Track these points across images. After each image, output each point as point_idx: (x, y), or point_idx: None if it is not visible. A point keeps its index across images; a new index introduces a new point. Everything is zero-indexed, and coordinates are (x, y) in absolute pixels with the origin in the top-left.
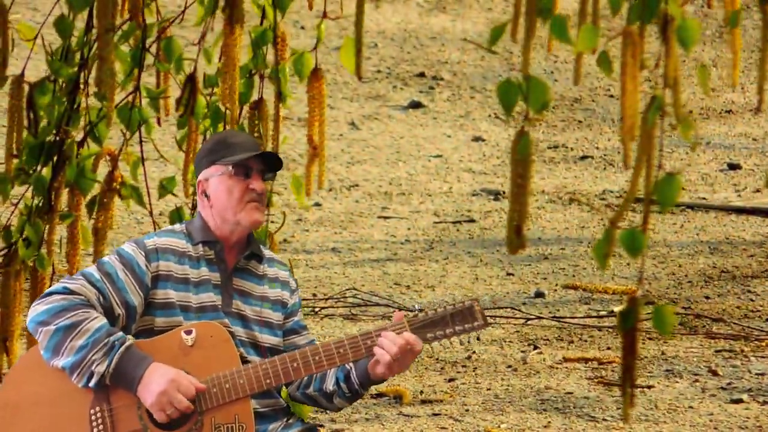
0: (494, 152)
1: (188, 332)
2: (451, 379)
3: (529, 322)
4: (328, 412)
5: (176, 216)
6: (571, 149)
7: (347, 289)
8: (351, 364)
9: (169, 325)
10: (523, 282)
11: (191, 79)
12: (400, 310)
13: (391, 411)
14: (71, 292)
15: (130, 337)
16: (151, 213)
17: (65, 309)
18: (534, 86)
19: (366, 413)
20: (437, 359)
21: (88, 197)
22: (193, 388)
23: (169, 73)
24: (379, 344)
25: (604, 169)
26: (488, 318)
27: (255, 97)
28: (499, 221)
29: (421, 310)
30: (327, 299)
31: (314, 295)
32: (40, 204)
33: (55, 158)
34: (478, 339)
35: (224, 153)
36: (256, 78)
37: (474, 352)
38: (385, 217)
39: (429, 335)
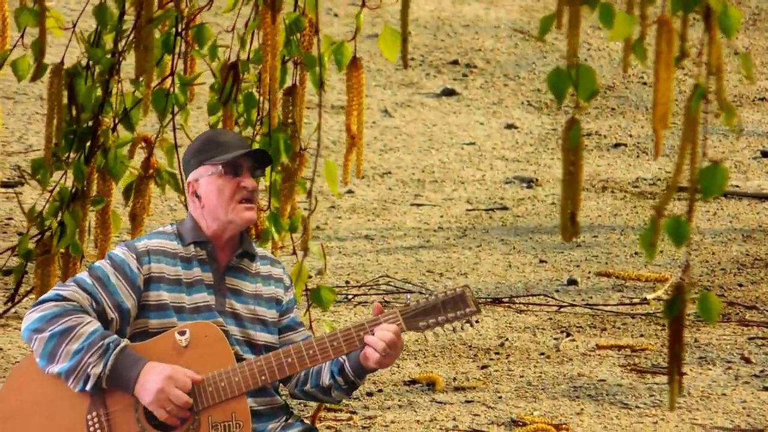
0: (527, 140)
1: (182, 333)
2: (484, 366)
3: (562, 310)
4: (330, 403)
5: None
6: (604, 137)
7: (380, 277)
8: (344, 357)
9: (163, 326)
10: (556, 269)
11: (234, 66)
12: (380, 303)
13: (424, 398)
14: (64, 299)
15: (124, 339)
16: (185, 200)
17: (58, 315)
18: (583, 74)
19: (399, 400)
20: (470, 346)
21: (124, 183)
22: (189, 382)
23: (204, 59)
24: (367, 342)
25: (638, 156)
26: (480, 305)
27: (289, 83)
28: (532, 209)
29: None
30: (360, 286)
31: (347, 282)
32: (74, 191)
33: (88, 144)
34: (471, 326)
35: (213, 152)
36: (290, 64)
37: (507, 339)
38: (418, 205)
39: (421, 324)
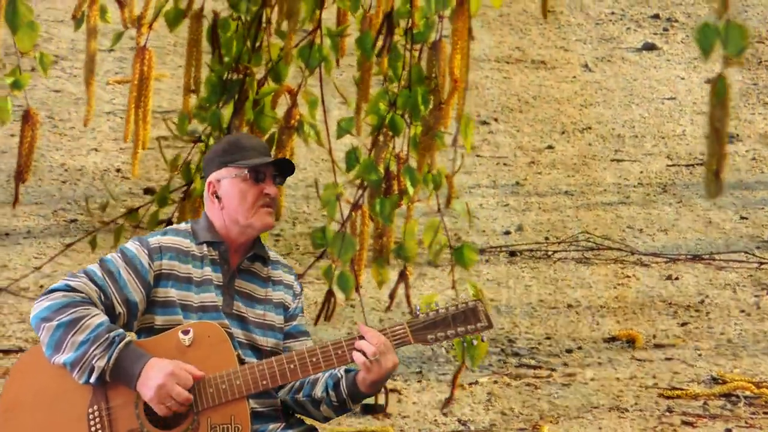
0: None
1: (186, 332)
2: (684, 324)
3: (762, 266)
4: (315, 419)
5: (352, 156)
6: None
7: (580, 233)
8: (342, 373)
9: (169, 323)
10: (757, 226)
11: (388, 16)
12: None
13: (624, 355)
14: (73, 290)
15: (130, 333)
16: (330, 152)
17: (67, 305)
18: (732, 30)
19: (598, 357)
20: (670, 303)
21: (267, 135)
22: (191, 378)
23: (349, 11)
24: (357, 347)
25: None
26: (492, 320)
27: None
28: (733, 164)
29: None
30: (559, 242)
31: (546, 238)
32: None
33: (236, 96)
34: (483, 340)
35: (237, 156)
36: (435, 18)
37: (707, 296)
38: (618, 160)
39: (430, 336)
